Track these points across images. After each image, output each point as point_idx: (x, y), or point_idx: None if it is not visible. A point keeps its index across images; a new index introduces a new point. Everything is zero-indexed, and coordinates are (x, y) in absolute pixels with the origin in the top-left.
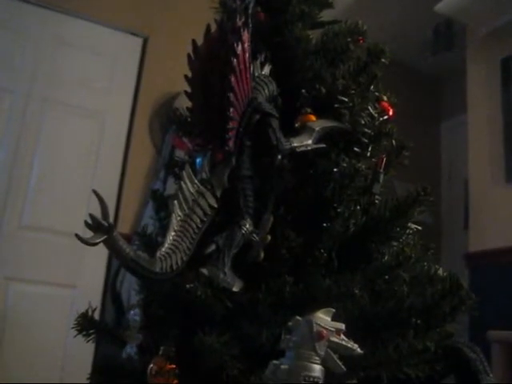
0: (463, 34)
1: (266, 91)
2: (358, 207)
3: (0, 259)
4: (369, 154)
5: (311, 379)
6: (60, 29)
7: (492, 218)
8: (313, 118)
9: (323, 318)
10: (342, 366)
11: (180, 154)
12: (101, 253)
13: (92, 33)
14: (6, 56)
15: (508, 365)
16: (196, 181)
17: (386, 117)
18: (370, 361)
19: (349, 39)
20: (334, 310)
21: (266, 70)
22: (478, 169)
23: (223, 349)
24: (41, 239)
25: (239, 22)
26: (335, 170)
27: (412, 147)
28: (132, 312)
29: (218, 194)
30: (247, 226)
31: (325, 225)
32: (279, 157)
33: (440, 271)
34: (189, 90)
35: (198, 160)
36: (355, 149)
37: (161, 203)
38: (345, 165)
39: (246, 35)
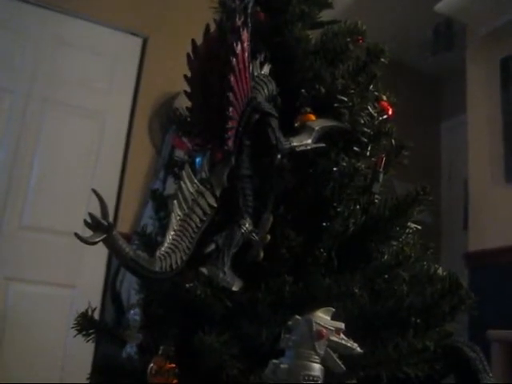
0: (463, 34)
1: (266, 91)
2: (358, 206)
3: (0, 259)
4: (368, 153)
5: (311, 378)
6: (60, 29)
7: (492, 218)
8: (312, 117)
9: (323, 317)
10: (342, 366)
11: (180, 153)
12: (100, 252)
13: (92, 33)
14: (6, 56)
15: (508, 364)
16: (195, 180)
17: (385, 116)
18: (369, 360)
19: (348, 39)
20: (333, 310)
21: (266, 69)
22: (477, 169)
23: (223, 348)
24: (41, 239)
25: (238, 22)
26: (335, 169)
27: (412, 147)
28: (132, 311)
29: (218, 193)
30: (247, 225)
31: (324, 224)
32: (279, 156)
33: (440, 271)
34: (188, 89)
35: (197, 160)
36: (355, 148)
37: (160, 203)
38: (344, 164)
39: (245, 35)
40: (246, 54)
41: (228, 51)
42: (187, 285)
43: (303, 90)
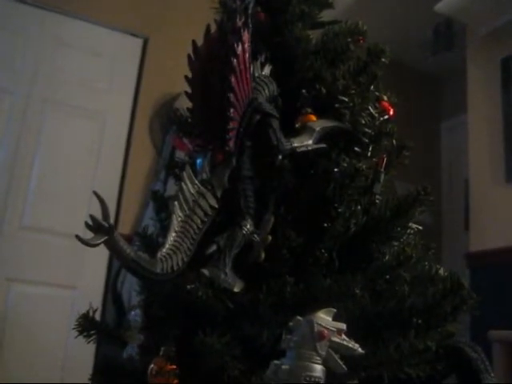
0: (463, 34)
1: (267, 91)
2: (359, 207)
3: (1, 260)
4: (369, 153)
5: (312, 379)
6: (60, 30)
7: (492, 218)
8: (313, 118)
9: (324, 317)
10: (343, 366)
11: (180, 154)
12: (101, 254)
13: (92, 34)
14: (7, 57)
15: (509, 364)
16: (196, 181)
17: (386, 117)
18: (371, 361)
19: (349, 39)
20: (335, 310)
21: (267, 70)
22: (478, 169)
23: (224, 349)
24: (41, 240)
25: (239, 23)
26: (336, 169)
27: (412, 147)
28: (133, 313)
29: (219, 194)
30: (248, 226)
31: (325, 225)
32: (280, 157)
33: (441, 271)
34: (189, 90)
35: (198, 161)
36: (356, 149)
37: (161, 204)
38: (345, 165)
39: (246, 35)
40: (247, 55)
41: (229, 52)
42: (188, 286)
43: (304, 91)
